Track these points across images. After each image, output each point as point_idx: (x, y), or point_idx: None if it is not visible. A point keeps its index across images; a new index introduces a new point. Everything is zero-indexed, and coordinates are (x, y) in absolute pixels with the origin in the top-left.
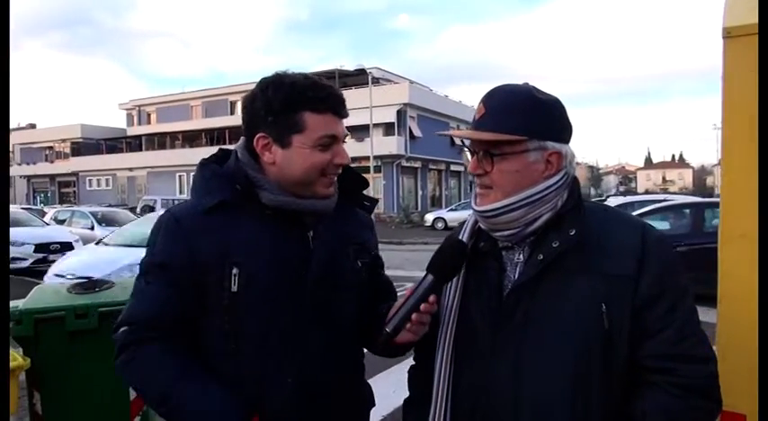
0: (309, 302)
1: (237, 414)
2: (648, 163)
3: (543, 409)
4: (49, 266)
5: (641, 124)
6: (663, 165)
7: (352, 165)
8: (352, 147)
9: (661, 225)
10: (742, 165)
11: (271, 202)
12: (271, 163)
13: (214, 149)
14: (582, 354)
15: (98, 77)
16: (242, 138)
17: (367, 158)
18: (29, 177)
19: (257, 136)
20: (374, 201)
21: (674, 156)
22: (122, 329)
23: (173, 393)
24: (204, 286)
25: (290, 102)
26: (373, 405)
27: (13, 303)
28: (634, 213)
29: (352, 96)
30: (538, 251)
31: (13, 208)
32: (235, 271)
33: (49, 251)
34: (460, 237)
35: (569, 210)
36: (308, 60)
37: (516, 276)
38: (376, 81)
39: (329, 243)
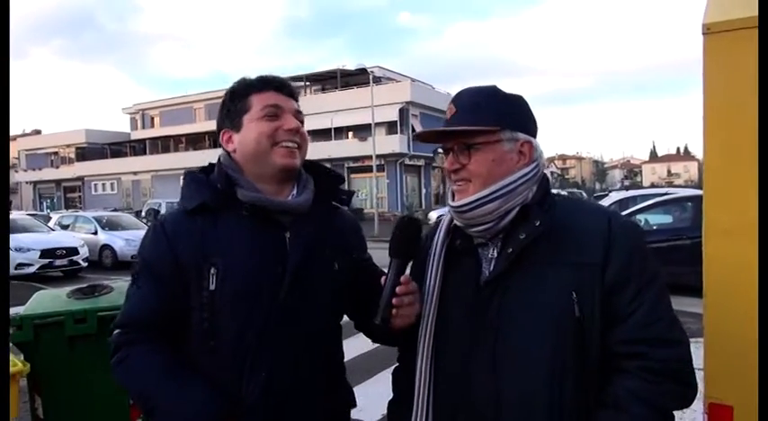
0: (284, 301)
1: (214, 408)
2: (654, 156)
3: (522, 401)
4: (55, 271)
5: (646, 118)
6: (668, 159)
7: (355, 165)
8: (354, 147)
9: (663, 219)
10: (722, 161)
11: (245, 198)
12: (233, 151)
13: (218, 152)
14: (555, 344)
15: (102, 82)
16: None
17: (370, 157)
18: (35, 183)
19: (222, 133)
20: (350, 194)
21: (678, 148)
22: (116, 331)
23: (155, 390)
24: (186, 286)
25: (236, 91)
26: (354, 405)
27: (14, 309)
28: (636, 207)
29: (354, 96)
30: (508, 245)
31: (18, 214)
32: (213, 270)
33: (55, 256)
34: (436, 236)
35: (535, 203)
36: (310, 60)
37: (490, 271)
38: (378, 80)
39: (306, 244)
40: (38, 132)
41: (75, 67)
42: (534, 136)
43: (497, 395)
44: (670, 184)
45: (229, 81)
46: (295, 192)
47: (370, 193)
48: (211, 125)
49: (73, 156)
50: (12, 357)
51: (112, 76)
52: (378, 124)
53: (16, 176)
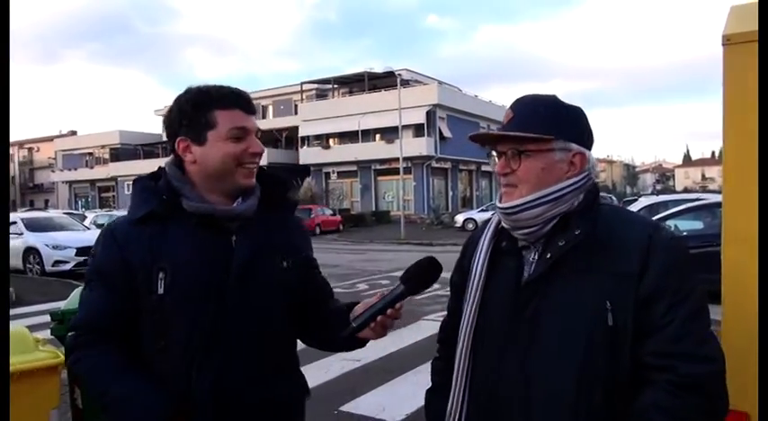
0: (231, 302)
1: (162, 405)
2: (687, 160)
3: (550, 402)
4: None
5: (679, 121)
6: (702, 163)
7: (382, 167)
8: (381, 149)
9: (694, 225)
10: (742, 170)
11: (191, 209)
12: (192, 162)
13: None
14: (587, 351)
15: (135, 85)
16: (171, 155)
17: (397, 160)
18: (70, 183)
19: (178, 140)
20: (295, 203)
21: (714, 152)
22: (70, 334)
23: (106, 389)
24: (135, 290)
25: (200, 103)
26: (308, 395)
27: (53, 304)
28: (666, 213)
29: (381, 98)
30: (548, 250)
31: (55, 213)
32: (161, 275)
33: (90, 254)
34: (483, 236)
35: (577, 211)
36: (338, 63)
37: (530, 273)
38: (405, 83)
39: (252, 245)
40: (74, 133)
41: (109, 70)
42: (589, 148)
43: (527, 394)
44: (704, 189)
45: (259, 84)
46: (240, 198)
47: (396, 196)
48: None
49: (107, 156)
50: (54, 349)
51: (145, 79)
52: (405, 127)
53: (53, 176)
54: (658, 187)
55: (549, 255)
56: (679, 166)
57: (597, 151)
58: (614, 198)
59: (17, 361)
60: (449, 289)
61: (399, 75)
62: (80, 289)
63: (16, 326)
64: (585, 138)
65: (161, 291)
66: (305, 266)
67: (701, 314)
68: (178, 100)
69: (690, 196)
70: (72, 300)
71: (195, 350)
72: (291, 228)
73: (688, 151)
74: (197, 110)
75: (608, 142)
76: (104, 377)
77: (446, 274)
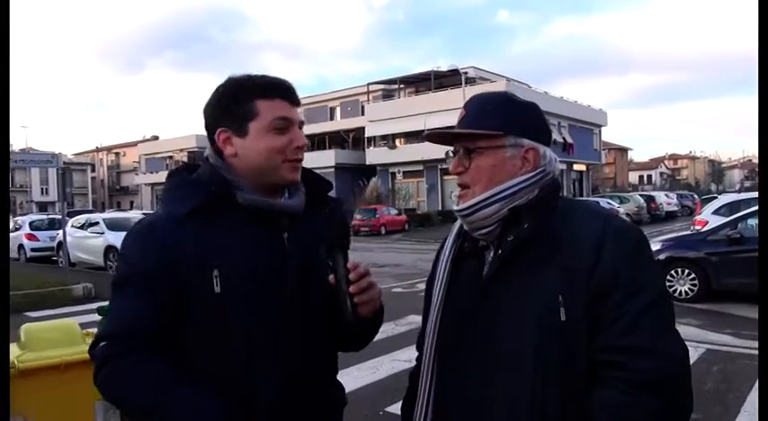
0: (289, 299)
1: (223, 413)
2: None
3: (509, 404)
4: None
5: None
6: None
7: (448, 167)
8: (448, 149)
9: None
10: None
11: (246, 202)
12: (233, 155)
13: (315, 154)
14: (539, 348)
15: (211, 89)
16: (208, 147)
17: (447, 155)
18: (152, 185)
19: (218, 131)
20: (339, 203)
21: None
22: (102, 344)
23: (157, 400)
24: (184, 292)
25: (241, 92)
26: (345, 403)
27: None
28: (748, 211)
29: (447, 97)
30: (500, 247)
31: (134, 213)
32: (215, 272)
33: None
34: (447, 240)
35: (527, 206)
36: (406, 62)
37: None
38: (472, 80)
39: (302, 242)
40: (155, 138)
41: (186, 76)
42: (544, 143)
43: (487, 397)
44: None
45: (329, 85)
46: (287, 195)
47: None
48: (309, 129)
49: (185, 159)
50: None
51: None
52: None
53: (137, 179)
54: (747, 184)
55: (500, 252)
56: None
57: (679, 148)
58: (696, 196)
59: (64, 353)
60: None
61: (465, 72)
62: None
63: (65, 320)
64: (540, 133)
65: (218, 289)
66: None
67: (658, 307)
68: (218, 89)
69: None
70: None
71: (256, 351)
72: (336, 226)
73: None
74: (238, 99)
75: (691, 138)
76: (153, 387)
77: None
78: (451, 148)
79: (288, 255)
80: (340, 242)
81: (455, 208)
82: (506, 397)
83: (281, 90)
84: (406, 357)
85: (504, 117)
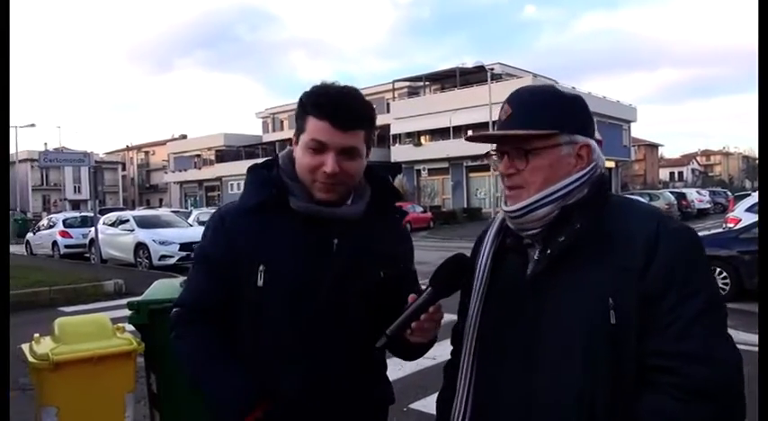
0: (325, 304)
1: (246, 396)
2: None
3: (553, 405)
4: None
5: None
6: None
7: (474, 164)
8: (473, 146)
9: None
10: None
11: (297, 208)
12: (294, 160)
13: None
14: (587, 351)
15: (238, 88)
16: (287, 147)
17: (489, 155)
18: (181, 183)
19: (294, 135)
20: (404, 214)
21: None
22: (175, 310)
23: (200, 370)
24: (237, 279)
25: (303, 104)
26: (392, 401)
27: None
28: None
29: (472, 94)
30: (548, 246)
31: (163, 211)
32: (262, 267)
33: (192, 249)
34: (488, 234)
35: (578, 205)
36: (431, 59)
37: (530, 272)
38: (497, 77)
39: (352, 250)
40: (184, 137)
41: (214, 76)
42: (592, 137)
43: (528, 397)
44: None
45: (354, 82)
46: (350, 200)
47: (488, 193)
48: None
49: (213, 158)
50: (130, 337)
51: (247, 83)
52: (496, 122)
53: (166, 177)
54: None
55: (548, 251)
56: None
57: (712, 143)
58: (729, 193)
59: (95, 346)
60: None
61: (491, 69)
62: (160, 280)
63: (98, 315)
64: (589, 127)
65: (261, 283)
66: (402, 278)
67: (713, 311)
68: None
69: None
70: (150, 292)
71: (286, 347)
72: (396, 236)
73: None
74: (301, 112)
75: (725, 134)
76: (199, 359)
77: None
78: (492, 147)
79: (333, 261)
80: (407, 257)
81: (505, 209)
82: (552, 398)
83: (328, 111)
84: (430, 354)
85: (557, 114)
